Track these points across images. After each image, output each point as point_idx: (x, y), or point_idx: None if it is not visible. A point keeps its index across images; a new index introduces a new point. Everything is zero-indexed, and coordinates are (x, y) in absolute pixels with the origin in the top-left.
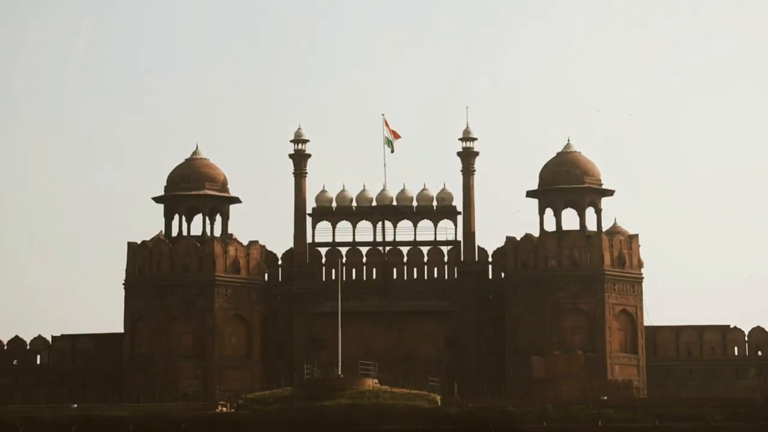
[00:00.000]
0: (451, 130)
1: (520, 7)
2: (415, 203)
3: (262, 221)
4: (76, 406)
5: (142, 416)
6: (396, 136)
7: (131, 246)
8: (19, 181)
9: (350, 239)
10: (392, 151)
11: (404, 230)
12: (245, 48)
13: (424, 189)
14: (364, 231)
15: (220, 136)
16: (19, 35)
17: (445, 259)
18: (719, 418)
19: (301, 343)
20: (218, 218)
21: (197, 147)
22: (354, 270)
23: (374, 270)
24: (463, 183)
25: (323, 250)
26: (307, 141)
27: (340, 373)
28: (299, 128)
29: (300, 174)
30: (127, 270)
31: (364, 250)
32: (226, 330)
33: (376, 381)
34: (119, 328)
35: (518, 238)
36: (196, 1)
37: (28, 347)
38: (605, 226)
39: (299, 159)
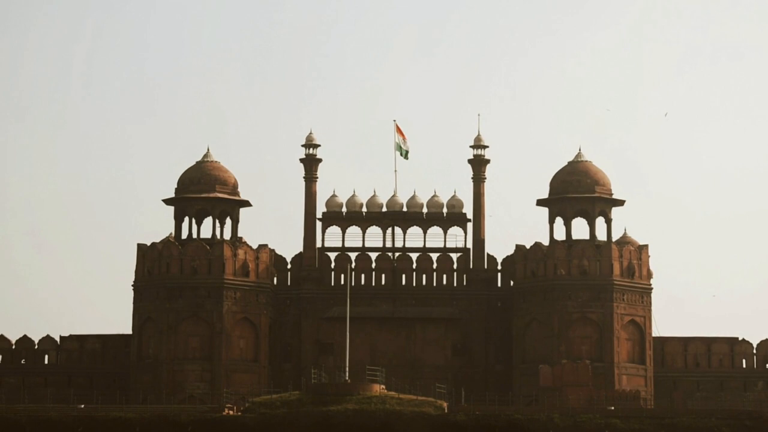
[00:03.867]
0: (462, 137)
1: (532, 16)
2: (425, 210)
3: (272, 225)
4: (83, 406)
5: (149, 418)
6: (403, 137)
7: (141, 248)
8: (29, 181)
9: (360, 244)
10: (406, 158)
11: (414, 236)
12: (257, 52)
13: (434, 196)
14: (374, 236)
15: (231, 139)
16: (33, 38)
17: (454, 266)
18: (726, 430)
19: (309, 348)
20: (228, 221)
21: (208, 150)
22: (363, 275)
23: (383, 276)
24: (473, 190)
25: (332, 255)
26: (319, 146)
27: (347, 378)
28: (310, 133)
29: (311, 178)
30: (136, 271)
31: (373, 255)
32: (234, 333)
33: (383, 387)
34: (127, 330)
35: (528, 247)
36: (208, 4)
37: (36, 347)
38: (615, 236)
39: (310, 163)
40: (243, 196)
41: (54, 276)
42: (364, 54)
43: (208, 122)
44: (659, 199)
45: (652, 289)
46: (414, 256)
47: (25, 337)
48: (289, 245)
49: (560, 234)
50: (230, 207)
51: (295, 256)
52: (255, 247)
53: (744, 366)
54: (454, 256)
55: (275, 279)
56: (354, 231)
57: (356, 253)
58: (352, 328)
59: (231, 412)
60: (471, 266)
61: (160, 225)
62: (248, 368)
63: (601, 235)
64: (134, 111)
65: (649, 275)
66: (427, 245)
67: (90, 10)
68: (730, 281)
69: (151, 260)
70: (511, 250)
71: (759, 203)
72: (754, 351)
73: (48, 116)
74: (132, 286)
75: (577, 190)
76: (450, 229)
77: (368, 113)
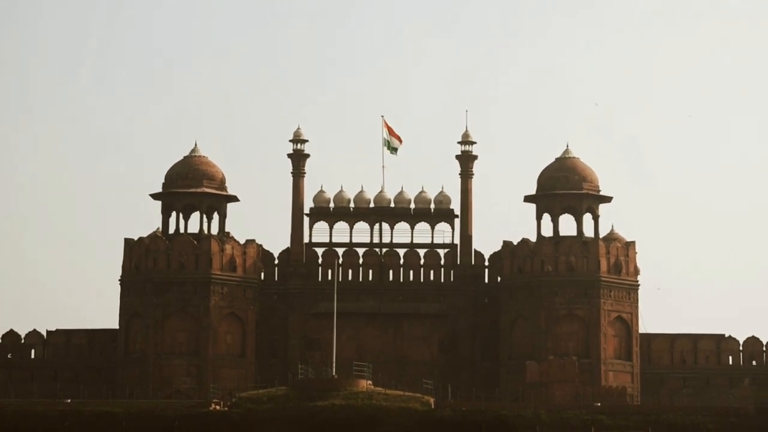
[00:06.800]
0: (450, 133)
1: (520, 12)
2: (412, 205)
3: (259, 220)
4: (69, 401)
5: (135, 412)
6: (398, 139)
7: (128, 242)
8: (16, 175)
9: (347, 240)
10: (394, 153)
11: (401, 232)
12: (246, 47)
13: (422, 191)
14: (361, 232)
15: (219, 134)
16: (20, 33)
17: (442, 262)
18: (712, 427)
19: (296, 343)
20: (215, 216)
21: (196, 144)
22: (350, 271)
23: (370, 271)
24: (461, 186)
25: (320, 251)
26: (306, 141)
27: (334, 373)
28: (298, 128)
29: (298, 174)
30: (123, 266)
31: (360, 251)
32: (221, 328)
33: (370, 382)
34: (114, 324)
35: (515, 243)
36: (196, 0)
37: (22, 341)
38: (602, 233)
39: (298, 159)
40: (230, 191)
41: (40, 270)
42: (352, 49)
43: (196, 117)
44: (647, 195)
45: (639, 285)
46: (401, 251)
47: (11, 331)
48: (277, 240)
49: (547, 230)
50: (218, 202)
51: (283, 251)
52: (242, 242)
53: (730, 363)
54: (442, 252)
55: (262, 274)
56: (341, 226)
57: (343, 249)
58: (339, 324)
59: (217, 407)
60: (458, 262)
61: (147, 220)
62: (235, 363)
63: (588, 231)
64: (122, 105)
65: (636, 272)
66: (414, 241)
67: (80, 6)
68: (717, 278)
69: (138, 255)
70: (498, 247)
71: (747, 200)
72: (741, 348)
73: (34, 111)
74: (119, 280)
75: (564, 187)
76: (437, 225)
77: (356, 109)
